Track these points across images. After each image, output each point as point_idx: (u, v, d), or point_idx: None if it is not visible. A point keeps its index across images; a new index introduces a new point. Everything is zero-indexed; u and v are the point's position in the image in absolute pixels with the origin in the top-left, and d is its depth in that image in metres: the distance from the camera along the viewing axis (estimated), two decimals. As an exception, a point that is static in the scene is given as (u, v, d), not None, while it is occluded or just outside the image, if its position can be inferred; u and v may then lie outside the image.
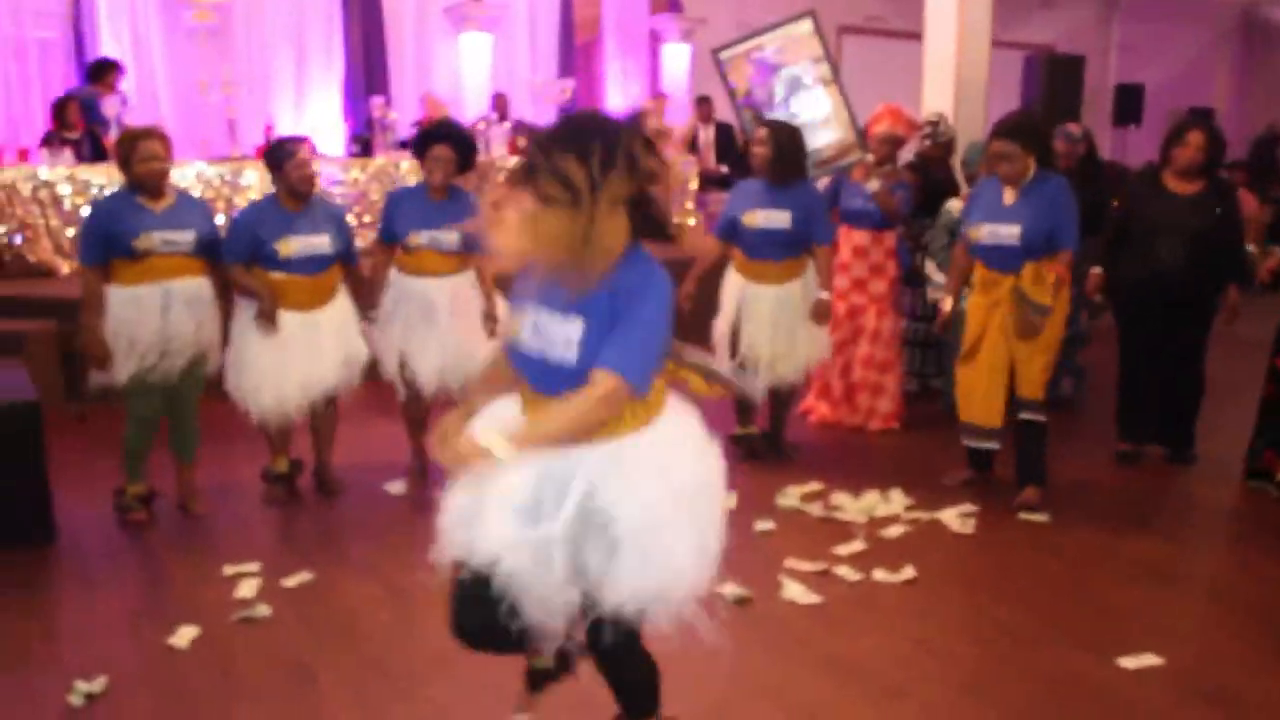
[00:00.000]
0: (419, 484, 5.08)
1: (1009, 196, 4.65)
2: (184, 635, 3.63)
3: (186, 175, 7.68)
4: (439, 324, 4.93)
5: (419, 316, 4.94)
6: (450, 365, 4.95)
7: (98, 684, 3.33)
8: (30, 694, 3.33)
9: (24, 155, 8.28)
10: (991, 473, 5.08)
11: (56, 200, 7.61)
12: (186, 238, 4.52)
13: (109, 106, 8.65)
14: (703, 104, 11.90)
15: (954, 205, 5.89)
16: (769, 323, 5.26)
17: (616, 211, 2.23)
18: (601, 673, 2.64)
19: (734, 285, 5.39)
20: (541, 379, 2.35)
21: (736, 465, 5.24)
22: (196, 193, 7.37)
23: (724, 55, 6.32)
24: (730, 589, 3.88)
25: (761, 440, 5.55)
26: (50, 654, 3.61)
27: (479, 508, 2.38)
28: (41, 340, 6.12)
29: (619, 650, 2.48)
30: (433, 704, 3.26)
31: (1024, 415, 4.76)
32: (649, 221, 2.31)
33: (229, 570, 4.14)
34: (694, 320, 5.19)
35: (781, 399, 5.52)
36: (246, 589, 3.98)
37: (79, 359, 4.79)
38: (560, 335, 2.30)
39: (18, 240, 7.51)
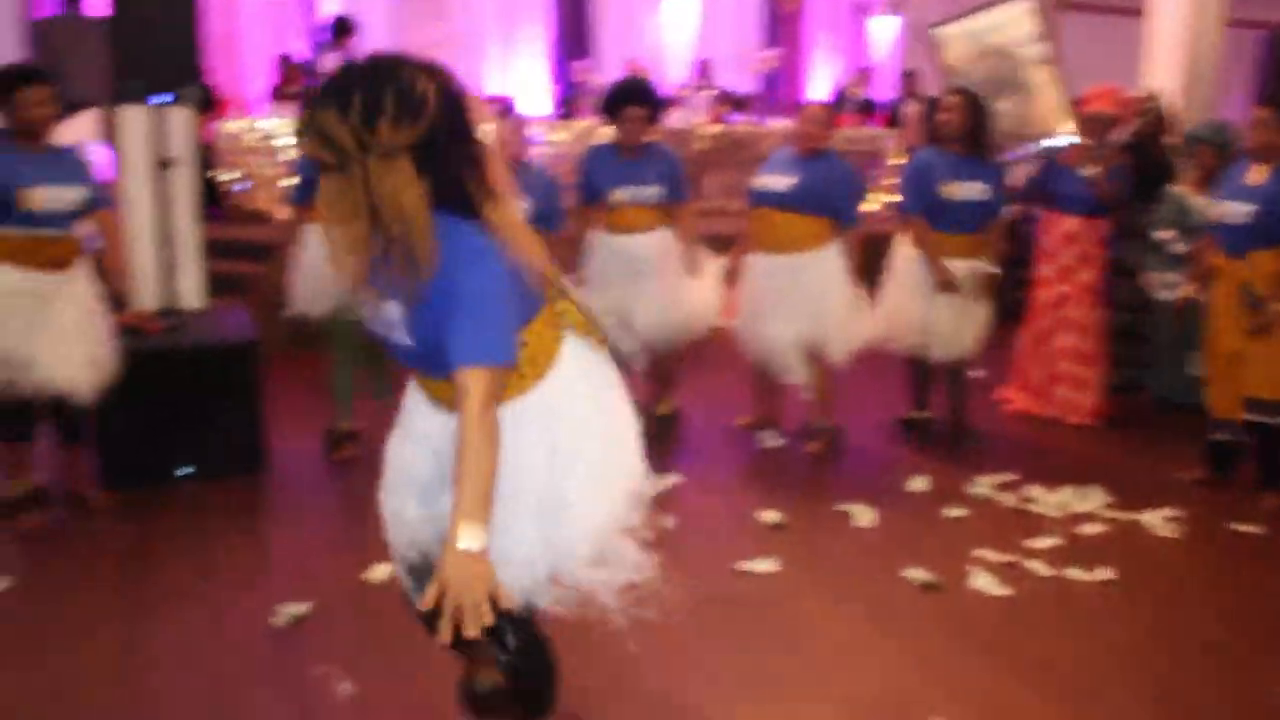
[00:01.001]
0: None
1: (1255, 174, 4.42)
2: (379, 570, 3.78)
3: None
4: (649, 278, 4.97)
5: (629, 273, 4.97)
6: (666, 318, 4.98)
7: (302, 608, 3.52)
8: (241, 612, 3.55)
9: (248, 108, 8.73)
10: (1234, 473, 4.83)
11: (275, 151, 8.00)
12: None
13: (326, 64, 9.03)
14: (909, 78, 11.63)
15: (1182, 190, 5.59)
16: (947, 298, 5.09)
17: (397, 166, 1.90)
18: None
19: (914, 261, 5.18)
20: (406, 358, 2.19)
21: (924, 450, 5.23)
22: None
23: (939, 33, 6.15)
24: (917, 573, 3.82)
25: (937, 425, 5.42)
26: (260, 577, 3.84)
27: (399, 499, 2.31)
28: (260, 282, 6.47)
29: (520, 656, 2.22)
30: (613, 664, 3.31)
31: (1250, 416, 4.51)
32: (454, 184, 1.97)
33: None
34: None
35: (957, 380, 5.38)
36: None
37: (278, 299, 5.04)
38: (390, 316, 2.08)
39: (241, 187, 7.95)
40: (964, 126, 5.01)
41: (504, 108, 4.93)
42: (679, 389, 5.42)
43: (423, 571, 2.25)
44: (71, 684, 3.14)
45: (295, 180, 4.82)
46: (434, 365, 2.08)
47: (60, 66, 8.12)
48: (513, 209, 2.08)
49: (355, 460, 4.90)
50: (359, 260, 1.97)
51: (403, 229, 1.91)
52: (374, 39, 10.61)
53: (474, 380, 1.95)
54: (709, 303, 5.09)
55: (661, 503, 4.47)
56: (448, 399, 2.14)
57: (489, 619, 1.88)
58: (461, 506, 1.90)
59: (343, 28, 9.31)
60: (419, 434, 2.29)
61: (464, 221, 1.98)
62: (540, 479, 2.14)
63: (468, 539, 1.89)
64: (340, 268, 2.00)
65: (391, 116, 1.87)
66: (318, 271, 4.62)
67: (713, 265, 5.16)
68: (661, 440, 5.27)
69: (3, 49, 7.94)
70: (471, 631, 1.87)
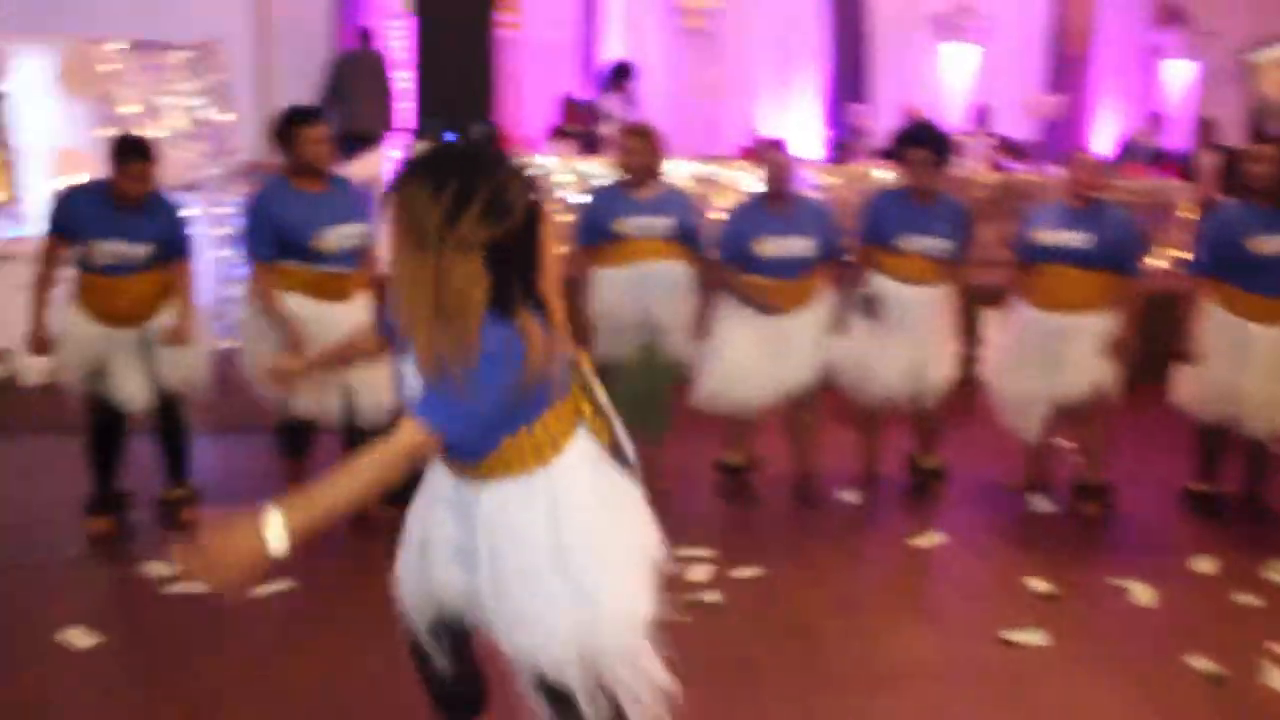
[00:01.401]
0: (871, 493, 5.09)
1: None
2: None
3: (672, 172, 8.10)
4: (910, 331, 4.85)
5: (897, 321, 4.85)
6: (911, 375, 4.87)
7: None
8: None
9: (529, 145, 9.12)
10: None
11: (553, 188, 8.31)
12: (662, 223, 4.78)
13: (607, 104, 9.34)
14: (1206, 127, 10.95)
15: None
16: (1269, 366, 4.69)
17: (469, 260, 1.94)
18: None
19: (1222, 324, 4.78)
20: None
21: (1212, 526, 4.87)
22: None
23: (1254, 58, 5.75)
24: (1201, 662, 3.55)
25: (1229, 500, 5.02)
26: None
27: (423, 560, 2.32)
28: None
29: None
30: (872, 721, 3.24)
31: None
32: (510, 287, 2.00)
33: (681, 552, 4.33)
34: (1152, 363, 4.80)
35: (1262, 454, 4.97)
36: (698, 573, 4.14)
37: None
38: (413, 386, 2.12)
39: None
40: (1277, 178, 4.64)
41: (772, 143, 4.93)
42: (944, 442, 5.26)
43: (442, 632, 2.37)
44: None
45: (577, 224, 4.99)
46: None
47: (349, 101, 8.79)
48: (558, 310, 2.15)
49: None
50: (422, 335, 1.99)
51: (458, 319, 1.95)
52: (651, 81, 10.91)
53: (410, 430, 1.98)
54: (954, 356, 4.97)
55: (923, 562, 4.40)
56: (475, 474, 2.21)
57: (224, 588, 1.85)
58: (296, 501, 1.89)
59: (622, 72, 9.61)
60: (445, 500, 2.31)
61: (499, 319, 2.00)
62: (544, 556, 2.17)
63: (272, 523, 1.86)
64: (406, 334, 2.05)
65: (479, 214, 1.92)
66: (612, 314, 4.81)
67: (981, 319, 5.01)
68: (924, 495, 5.14)
69: (314, 88, 8.63)
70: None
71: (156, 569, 4.09)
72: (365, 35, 9.14)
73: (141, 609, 3.88)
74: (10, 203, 8.18)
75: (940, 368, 4.90)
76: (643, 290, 4.80)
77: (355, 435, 4.40)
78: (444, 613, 2.35)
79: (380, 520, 4.60)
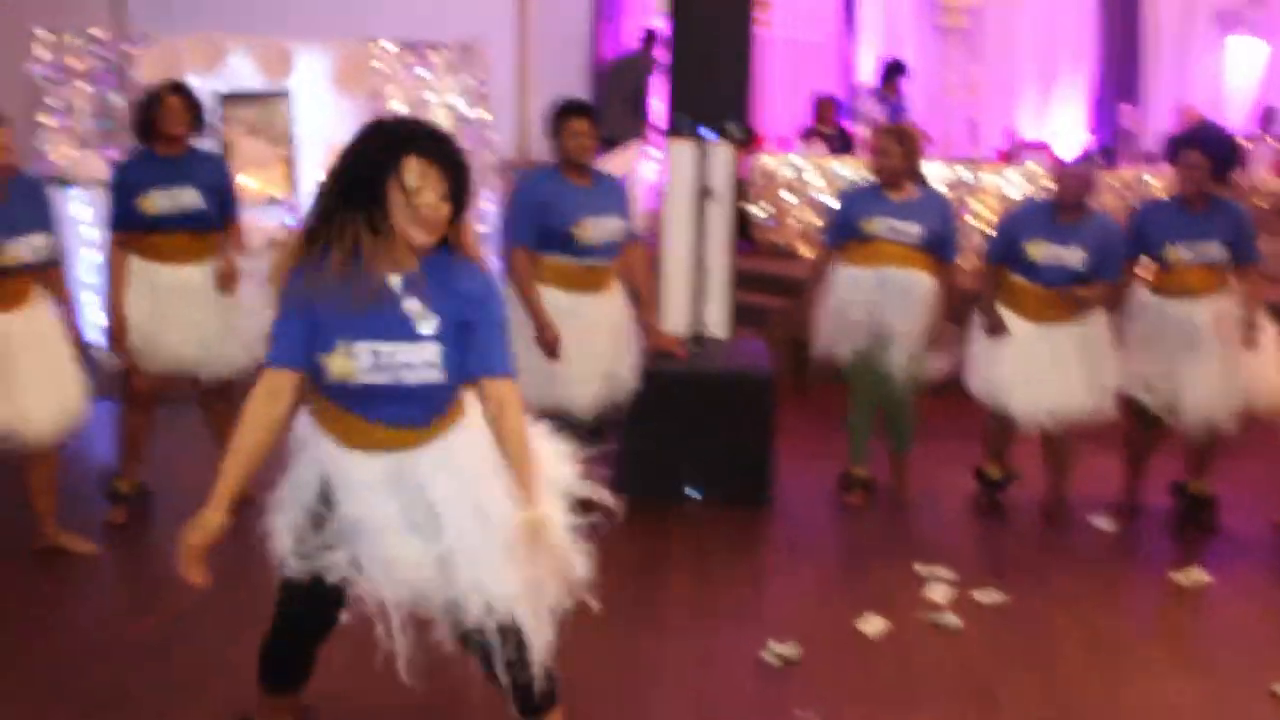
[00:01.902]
0: (1130, 521, 4.76)
1: None
2: (872, 623, 3.72)
3: (928, 174, 7.86)
4: (1203, 349, 4.48)
5: (1179, 342, 4.51)
6: (1218, 395, 4.48)
7: (791, 649, 3.52)
8: (732, 642, 3.62)
9: (783, 145, 9.04)
10: None
11: (805, 187, 8.21)
12: (914, 229, 4.61)
13: (864, 104, 9.16)
14: None
15: None
16: None
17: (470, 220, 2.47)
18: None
19: None
20: (399, 408, 2.34)
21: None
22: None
23: None
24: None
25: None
26: (753, 610, 3.91)
27: (352, 525, 2.37)
28: (780, 316, 6.65)
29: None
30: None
31: None
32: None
33: (921, 569, 4.17)
34: None
35: None
36: (938, 593, 3.98)
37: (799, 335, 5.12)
38: (418, 359, 2.29)
39: (770, 221, 8.25)
40: None
41: (1057, 159, 4.70)
42: (1216, 474, 4.85)
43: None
44: (568, 682, 3.33)
45: (827, 220, 4.89)
46: (427, 403, 2.36)
47: (608, 103, 8.92)
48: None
49: (862, 507, 4.88)
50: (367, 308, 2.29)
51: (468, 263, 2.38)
52: (912, 81, 10.63)
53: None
54: (1270, 380, 4.51)
55: (1186, 601, 4.08)
56: (401, 442, 2.36)
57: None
58: (530, 490, 2.28)
59: (895, 70, 9.40)
60: (366, 483, 2.37)
61: (467, 260, 2.38)
62: (494, 489, 2.37)
63: (529, 517, 2.24)
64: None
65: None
66: (845, 312, 4.68)
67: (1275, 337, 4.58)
68: (1191, 526, 4.76)
69: (571, 89, 8.82)
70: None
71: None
72: (650, 36, 9.19)
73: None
74: (288, 196, 8.73)
75: (1233, 389, 4.49)
76: (882, 294, 4.64)
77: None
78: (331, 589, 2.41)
79: (608, 507, 4.67)
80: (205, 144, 4.66)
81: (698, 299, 5.31)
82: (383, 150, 2.23)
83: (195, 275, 4.32)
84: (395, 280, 2.31)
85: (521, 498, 2.28)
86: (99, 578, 4.12)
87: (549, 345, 4.29)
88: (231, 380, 4.41)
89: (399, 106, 8.99)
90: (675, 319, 5.38)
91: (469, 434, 2.42)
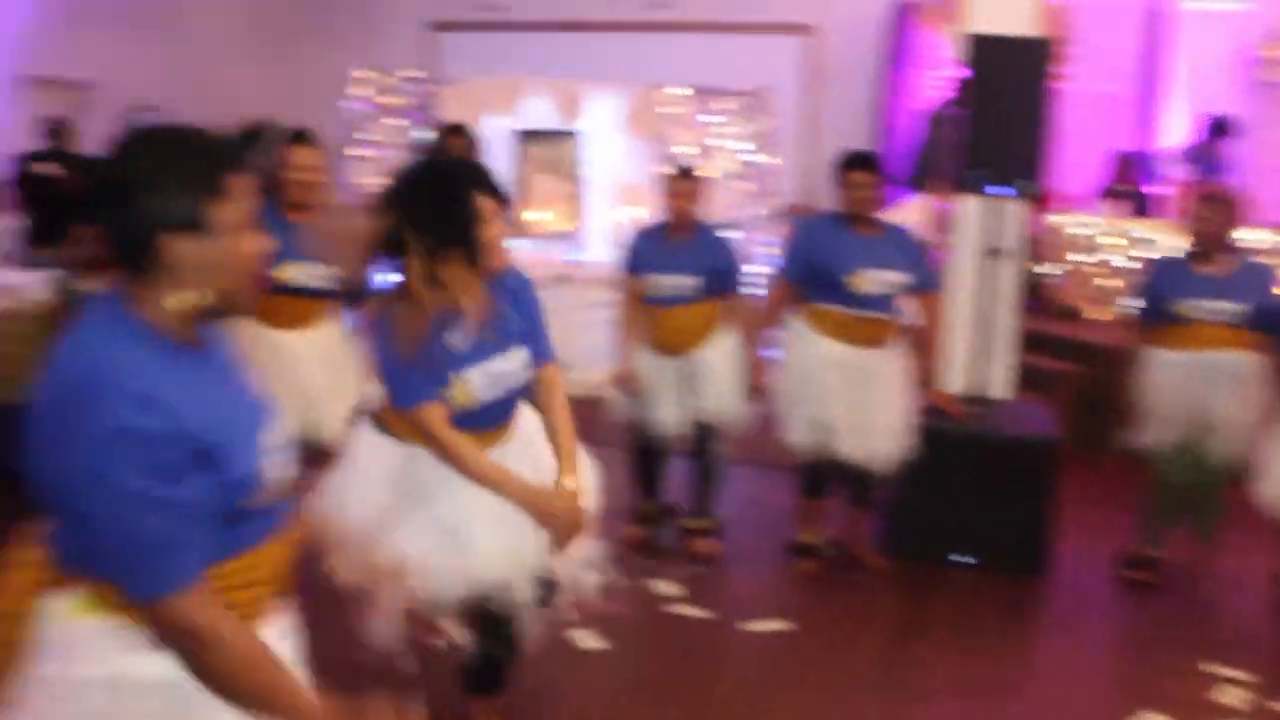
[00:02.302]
0: None
1: None
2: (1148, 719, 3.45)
3: (1245, 241, 7.30)
4: None
5: None
6: None
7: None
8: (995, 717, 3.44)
9: (1076, 202, 8.65)
10: None
11: (1098, 248, 7.81)
12: (1233, 307, 4.26)
13: (1172, 163, 8.66)
14: None
15: None
16: None
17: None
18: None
19: None
20: (500, 414, 2.67)
21: None
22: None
23: None
24: None
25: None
26: (1015, 688, 3.71)
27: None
28: (1068, 381, 6.32)
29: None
30: None
31: None
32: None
33: (1206, 667, 3.83)
34: None
35: None
36: (1230, 697, 3.64)
37: (1106, 408, 4.81)
38: (514, 367, 2.63)
39: (1059, 281, 7.89)
40: None
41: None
42: None
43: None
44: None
45: (1137, 296, 4.58)
46: (513, 402, 2.70)
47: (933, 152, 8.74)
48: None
49: (1148, 587, 4.54)
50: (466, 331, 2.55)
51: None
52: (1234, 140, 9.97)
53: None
54: None
55: None
56: (497, 440, 2.68)
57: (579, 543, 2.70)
58: (567, 463, 2.69)
59: (1221, 128, 8.84)
60: (379, 472, 2.63)
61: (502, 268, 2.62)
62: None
63: (570, 482, 2.66)
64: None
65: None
66: (1161, 399, 4.37)
67: None
68: None
69: (857, 138, 8.75)
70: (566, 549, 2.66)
71: (664, 587, 4.27)
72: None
73: (646, 621, 4.05)
74: (575, 230, 9.06)
75: None
76: (1202, 380, 4.29)
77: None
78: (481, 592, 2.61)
79: (875, 565, 4.55)
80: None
81: (981, 358, 5.12)
82: (461, 194, 2.45)
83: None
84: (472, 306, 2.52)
85: (565, 466, 2.69)
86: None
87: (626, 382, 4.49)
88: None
89: (686, 149, 9.19)
90: (957, 378, 5.22)
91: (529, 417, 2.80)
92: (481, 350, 2.56)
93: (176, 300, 1.50)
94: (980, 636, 4.05)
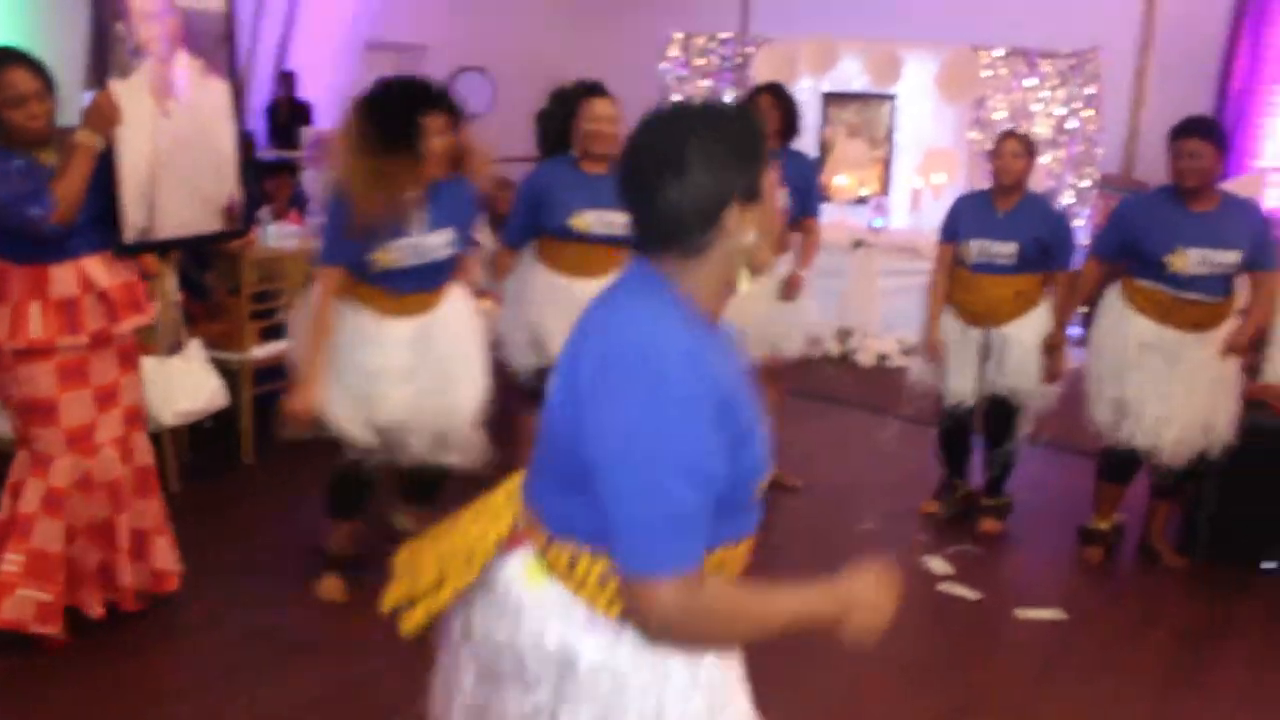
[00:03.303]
0: None
1: None
2: None
3: None
4: None
5: None
6: None
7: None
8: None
9: None
10: None
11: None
12: None
13: None
14: None
15: None
16: None
17: None
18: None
19: None
20: (422, 282, 3.43)
21: None
22: None
23: None
24: None
25: None
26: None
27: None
28: None
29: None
30: None
31: None
32: None
33: None
34: None
35: None
36: None
37: None
38: (438, 243, 3.40)
39: None
40: None
41: None
42: None
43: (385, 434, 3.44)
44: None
45: None
46: (442, 272, 3.48)
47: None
48: None
49: None
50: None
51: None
52: None
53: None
54: None
55: None
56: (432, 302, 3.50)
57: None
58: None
59: None
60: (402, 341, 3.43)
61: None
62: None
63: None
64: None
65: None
66: None
67: None
68: None
69: (1193, 106, 8.07)
70: None
71: (937, 564, 4.19)
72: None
73: (912, 598, 3.95)
74: (879, 195, 8.90)
75: None
76: None
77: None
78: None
79: (1171, 562, 4.25)
80: (800, 144, 4.82)
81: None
82: (408, 110, 3.22)
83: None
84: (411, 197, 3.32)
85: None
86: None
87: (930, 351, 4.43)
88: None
89: (1001, 114, 8.83)
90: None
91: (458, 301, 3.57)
92: (412, 228, 3.32)
93: (741, 276, 1.48)
94: (1281, 650, 3.74)
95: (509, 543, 1.59)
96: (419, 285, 3.43)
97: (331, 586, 3.66)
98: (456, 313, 3.56)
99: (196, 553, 3.73)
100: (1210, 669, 3.56)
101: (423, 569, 1.66)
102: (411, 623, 1.64)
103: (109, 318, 3.15)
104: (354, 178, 3.19)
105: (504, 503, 1.65)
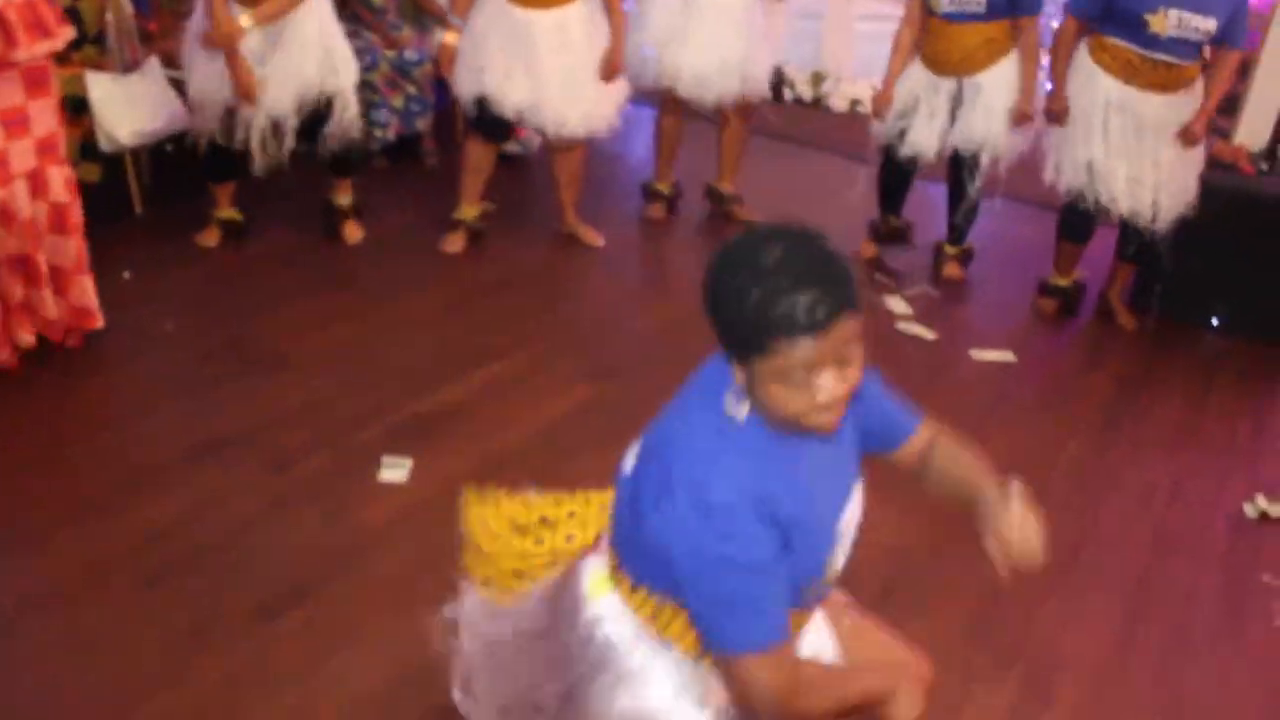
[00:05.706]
0: None
1: None
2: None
3: None
4: None
5: None
6: None
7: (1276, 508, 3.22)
8: (1211, 484, 3.39)
9: None
10: None
11: None
12: None
13: None
14: None
15: None
16: None
17: None
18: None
19: None
20: None
21: None
22: None
23: None
24: None
25: None
26: (1247, 456, 3.57)
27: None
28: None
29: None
30: None
31: None
32: None
33: None
34: None
35: None
36: None
37: None
38: None
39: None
40: None
41: None
42: None
43: None
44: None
45: None
46: None
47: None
48: None
49: None
50: None
51: None
52: None
53: None
54: None
55: None
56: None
57: None
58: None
59: None
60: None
61: None
62: None
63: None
64: None
65: None
66: None
67: None
68: None
69: None
70: None
71: (896, 305, 4.30)
72: None
73: (871, 336, 4.05)
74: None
75: None
76: None
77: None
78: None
79: (1123, 319, 4.35)
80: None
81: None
82: None
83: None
84: None
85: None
86: (606, 264, 4.59)
87: (1056, 115, 4.14)
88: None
89: None
90: (1253, 132, 4.75)
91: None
92: None
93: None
94: (1220, 397, 3.90)
95: (590, 549, 1.73)
96: None
97: (210, 236, 4.31)
98: (309, 10, 3.93)
99: (158, 275, 3.74)
100: (1143, 416, 3.73)
101: (504, 557, 1.81)
102: (483, 590, 1.84)
103: (6, 41, 2.92)
104: None
105: (596, 515, 1.78)
